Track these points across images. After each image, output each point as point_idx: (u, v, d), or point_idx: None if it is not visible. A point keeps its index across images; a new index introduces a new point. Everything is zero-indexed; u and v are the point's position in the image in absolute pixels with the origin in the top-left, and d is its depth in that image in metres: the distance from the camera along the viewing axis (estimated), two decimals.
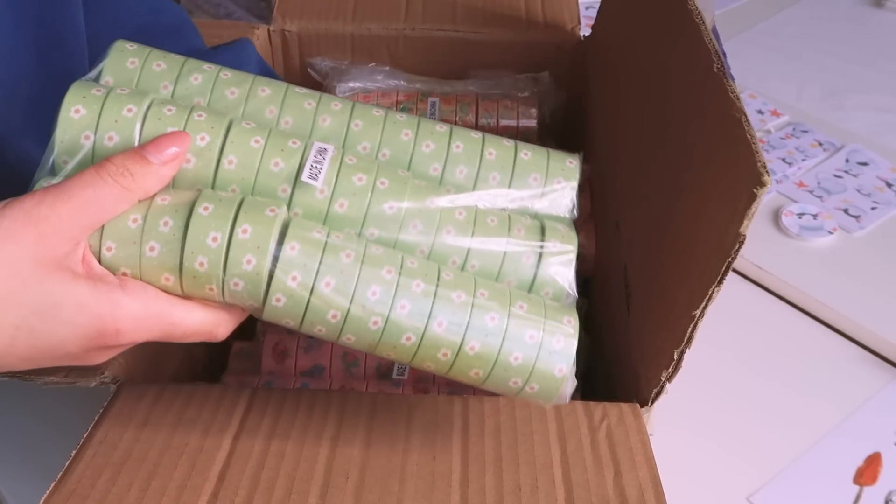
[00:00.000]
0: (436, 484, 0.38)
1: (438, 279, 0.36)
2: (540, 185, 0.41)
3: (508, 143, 0.42)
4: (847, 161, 0.87)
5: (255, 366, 0.53)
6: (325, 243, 0.35)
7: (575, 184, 0.42)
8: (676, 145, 0.47)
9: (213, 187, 0.36)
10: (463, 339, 0.36)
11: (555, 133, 0.73)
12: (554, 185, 0.41)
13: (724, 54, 0.42)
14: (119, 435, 0.40)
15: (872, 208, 0.80)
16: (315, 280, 0.34)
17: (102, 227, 0.33)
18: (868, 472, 0.58)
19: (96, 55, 0.39)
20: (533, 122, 0.69)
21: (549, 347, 0.36)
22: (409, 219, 0.38)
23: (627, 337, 0.50)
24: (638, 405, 0.43)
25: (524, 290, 0.39)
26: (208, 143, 0.36)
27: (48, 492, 0.37)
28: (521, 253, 0.39)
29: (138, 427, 0.40)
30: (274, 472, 0.38)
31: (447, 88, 0.71)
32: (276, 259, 0.34)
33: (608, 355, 0.56)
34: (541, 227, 0.40)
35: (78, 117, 0.35)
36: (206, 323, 0.35)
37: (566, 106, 0.74)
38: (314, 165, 0.36)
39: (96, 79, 0.39)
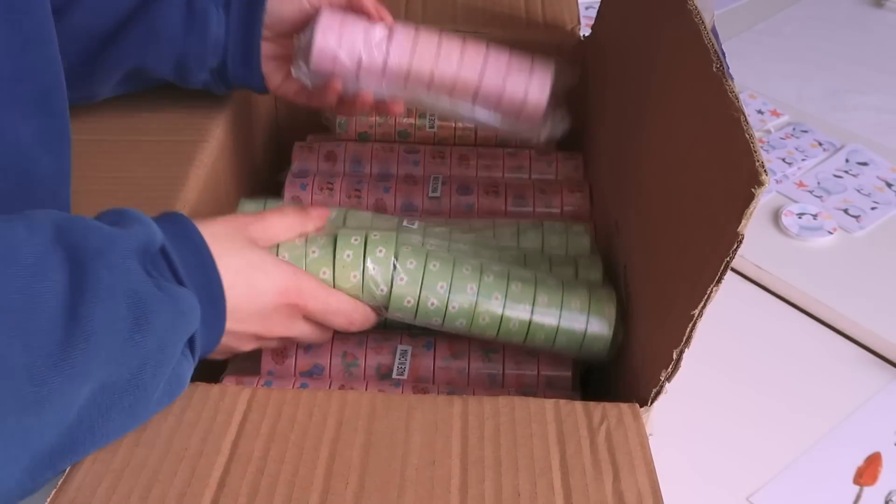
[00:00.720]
0: (435, 491, 0.38)
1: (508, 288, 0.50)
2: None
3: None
4: (847, 161, 0.87)
5: (255, 366, 0.53)
6: (426, 251, 0.50)
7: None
8: (676, 145, 0.47)
9: None
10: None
11: None
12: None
13: (724, 54, 0.43)
14: (118, 440, 0.40)
15: (872, 208, 0.80)
16: (426, 262, 0.49)
17: (278, 245, 0.49)
18: (868, 472, 0.58)
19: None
20: None
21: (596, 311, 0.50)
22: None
23: (627, 337, 0.50)
24: (637, 405, 0.43)
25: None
26: (335, 216, 0.56)
27: (48, 501, 0.37)
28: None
29: (137, 431, 0.40)
30: (273, 478, 0.38)
31: None
32: (397, 254, 0.49)
33: None
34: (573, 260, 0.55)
35: (250, 202, 0.59)
36: (348, 305, 0.49)
37: (566, 106, 0.73)
38: (409, 223, 0.55)
39: None
